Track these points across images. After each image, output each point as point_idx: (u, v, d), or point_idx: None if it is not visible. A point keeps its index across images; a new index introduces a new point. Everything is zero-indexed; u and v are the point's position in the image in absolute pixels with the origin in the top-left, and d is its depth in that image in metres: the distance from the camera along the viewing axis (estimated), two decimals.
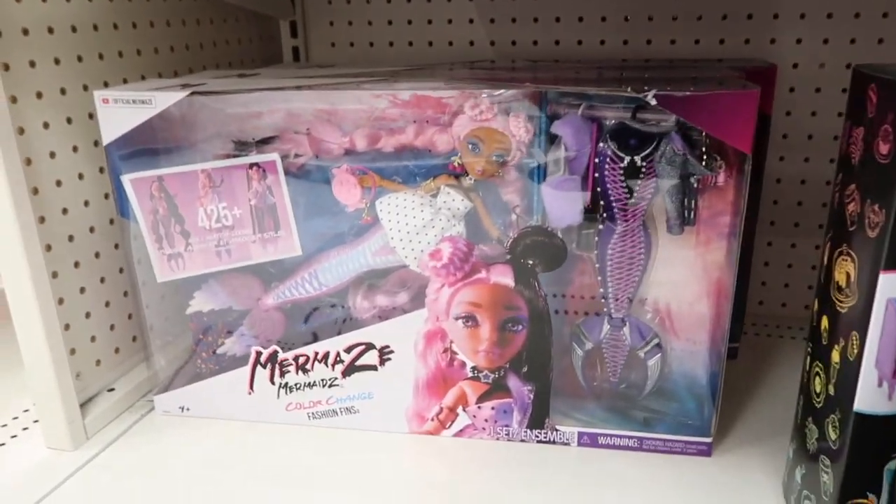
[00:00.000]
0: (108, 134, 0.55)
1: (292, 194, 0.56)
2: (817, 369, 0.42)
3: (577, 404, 0.57)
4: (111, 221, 0.63)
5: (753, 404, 0.61)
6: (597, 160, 0.50)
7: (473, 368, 0.55)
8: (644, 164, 0.49)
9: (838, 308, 0.39)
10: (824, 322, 0.41)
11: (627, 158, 0.49)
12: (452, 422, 0.57)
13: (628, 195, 0.50)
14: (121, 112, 0.54)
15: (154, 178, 0.56)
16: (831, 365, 0.40)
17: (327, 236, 0.57)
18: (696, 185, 0.49)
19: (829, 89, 0.70)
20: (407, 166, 0.55)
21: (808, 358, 0.44)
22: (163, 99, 0.53)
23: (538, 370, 0.55)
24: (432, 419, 0.57)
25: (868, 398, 0.36)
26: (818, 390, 0.42)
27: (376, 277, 0.57)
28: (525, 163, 0.52)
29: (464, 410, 0.56)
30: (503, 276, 0.52)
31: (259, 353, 0.58)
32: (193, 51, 0.73)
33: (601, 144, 0.50)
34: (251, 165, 0.55)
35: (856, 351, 0.37)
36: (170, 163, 0.56)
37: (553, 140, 0.51)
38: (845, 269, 0.38)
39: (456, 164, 0.53)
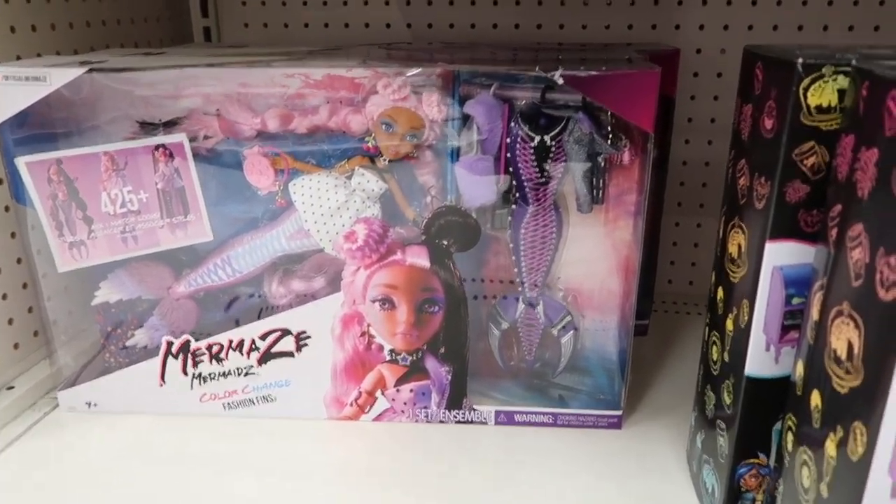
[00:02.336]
0: (1, 114, 0.52)
1: (202, 177, 0.54)
2: (714, 338, 0.44)
3: (494, 384, 0.58)
4: (6, 209, 0.59)
5: (661, 378, 0.64)
6: (508, 140, 0.51)
7: (391, 351, 0.55)
8: (553, 143, 0.50)
9: (731, 278, 0.41)
10: (720, 293, 0.43)
11: (537, 138, 0.50)
12: (371, 406, 0.56)
13: (539, 175, 0.51)
14: (13, 90, 0.51)
15: (52, 160, 0.53)
16: (726, 333, 0.42)
17: (240, 221, 0.56)
18: (603, 165, 0.51)
19: (730, 74, 0.73)
20: (321, 148, 0.54)
21: (707, 328, 0.46)
22: (59, 76, 0.50)
23: (455, 351, 0.55)
24: (351, 404, 0.56)
25: (757, 362, 0.38)
26: (715, 358, 0.44)
27: (292, 262, 0.56)
28: (439, 143, 0.52)
29: (382, 394, 0.56)
30: (419, 258, 0.52)
31: (170, 344, 0.56)
32: (95, 28, 0.70)
33: (512, 124, 0.50)
34: (157, 147, 0.53)
35: (746, 318, 0.39)
36: (70, 145, 0.53)
37: (466, 120, 0.51)
38: (737, 241, 0.40)
39: (370, 144, 0.52)
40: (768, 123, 0.36)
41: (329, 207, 0.52)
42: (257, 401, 0.57)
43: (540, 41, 0.76)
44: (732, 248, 0.41)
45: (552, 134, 0.49)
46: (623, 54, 0.62)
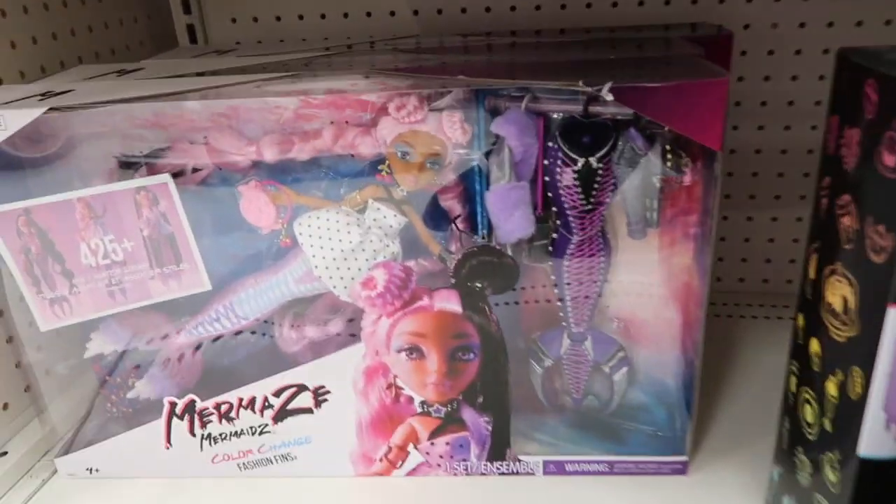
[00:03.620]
0: None
1: (195, 216, 0.47)
2: (807, 396, 0.37)
3: (538, 423, 0.52)
4: None
5: (724, 403, 0.57)
6: (546, 162, 0.43)
7: (423, 403, 0.48)
8: (601, 166, 0.42)
9: (833, 335, 0.34)
10: (814, 345, 0.36)
11: (581, 161, 0.42)
12: (403, 461, 0.50)
13: (584, 202, 0.43)
14: None
15: (19, 211, 0.46)
16: (827, 397, 0.35)
17: (241, 262, 0.49)
18: (659, 186, 0.43)
19: (783, 52, 0.65)
20: (327, 177, 0.47)
21: (795, 379, 0.39)
22: (14, 118, 0.43)
23: (495, 400, 0.49)
24: (381, 460, 0.50)
25: (874, 442, 0.32)
26: (810, 420, 0.37)
27: (303, 305, 0.50)
28: (464, 167, 0.45)
29: (415, 448, 0.50)
30: (448, 303, 0.45)
31: (174, 405, 0.50)
32: (63, 40, 0.62)
33: (550, 144, 0.43)
34: (139, 189, 0.46)
35: (859, 390, 0.32)
36: (42, 190, 0.46)
37: (495, 141, 0.44)
38: (841, 293, 0.33)
39: (384, 173, 0.45)
40: (890, 160, 0.29)
41: (341, 250, 0.45)
42: (276, 460, 0.51)
43: (564, 24, 0.67)
44: (834, 300, 0.34)
45: (599, 155, 0.42)
46: (663, 43, 0.54)
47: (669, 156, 0.41)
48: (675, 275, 0.47)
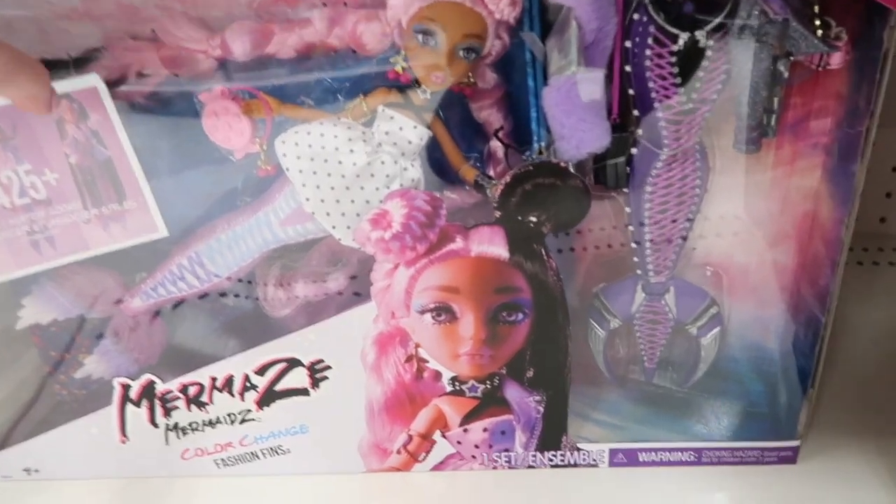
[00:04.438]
0: None
1: (143, 135, 0.35)
2: None
3: (597, 400, 0.40)
4: None
5: (847, 373, 0.45)
6: (629, 43, 0.30)
7: (453, 380, 0.37)
8: (711, 43, 0.30)
9: None
10: None
11: (684, 37, 0.29)
12: (428, 452, 0.39)
13: (684, 97, 0.31)
14: None
15: None
16: None
17: (209, 199, 0.37)
18: (784, 73, 0.31)
19: None
20: (320, 80, 0.34)
21: None
22: None
23: (549, 373, 0.37)
24: (398, 452, 0.39)
25: None
26: None
27: (293, 255, 0.38)
28: (510, 57, 0.32)
29: (443, 436, 0.38)
30: (491, 245, 0.33)
31: (126, 388, 0.39)
32: None
33: (636, 16, 0.30)
34: (59, 99, 0.33)
35: None
36: None
37: (555, 15, 0.31)
38: None
39: (399, 69, 0.32)
40: None
41: (343, 175, 0.33)
42: (264, 454, 0.40)
43: None
44: None
45: (710, 27, 0.29)
46: None
47: (818, 22, 0.28)
48: (792, 202, 0.35)
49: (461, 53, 0.31)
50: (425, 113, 0.33)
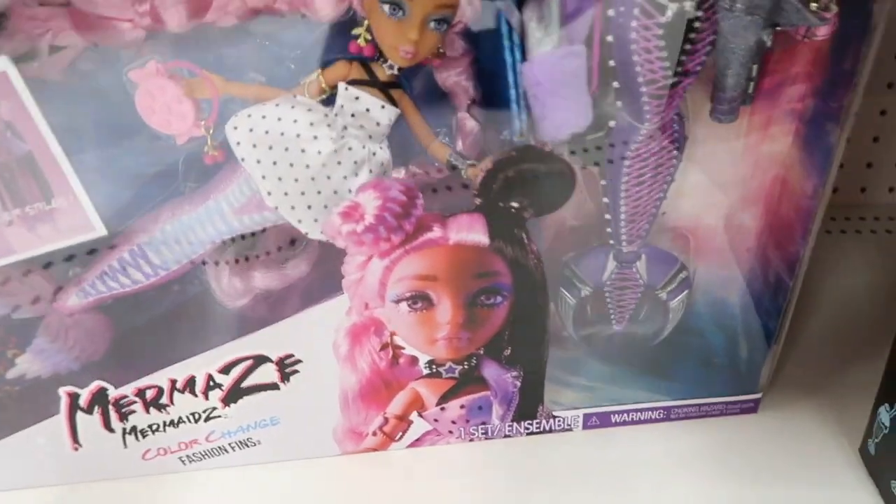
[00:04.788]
0: None
1: (64, 120, 0.30)
2: None
3: (569, 363, 0.41)
4: None
5: (816, 331, 0.46)
6: (611, 12, 0.28)
7: (430, 363, 0.36)
8: (700, 13, 0.28)
9: None
10: None
11: (673, 7, 0.27)
12: (404, 432, 0.38)
13: (668, 70, 0.29)
14: None
15: None
16: None
17: (149, 189, 0.33)
18: (768, 43, 0.29)
19: None
20: (267, 49, 0.30)
21: None
22: None
23: (527, 350, 0.37)
24: (374, 433, 0.38)
25: None
26: None
27: (247, 239, 0.35)
28: (484, 24, 0.29)
29: (420, 416, 0.38)
30: (470, 233, 0.31)
31: (74, 397, 0.35)
32: None
33: None
34: None
35: None
36: None
37: None
38: None
39: (361, 42, 0.29)
40: None
41: (307, 166, 0.30)
42: (232, 447, 0.38)
43: None
44: None
45: None
46: None
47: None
48: (763, 167, 0.35)
49: (432, 25, 0.28)
50: (392, 89, 0.30)
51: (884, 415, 0.35)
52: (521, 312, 0.35)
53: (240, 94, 0.30)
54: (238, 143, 0.30)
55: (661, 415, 0.40)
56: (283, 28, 0.30)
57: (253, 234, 0.34)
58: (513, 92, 0.29)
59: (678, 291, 0.38)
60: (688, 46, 0.29)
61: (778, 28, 0.29)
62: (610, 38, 0.29)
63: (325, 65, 0.30)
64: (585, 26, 0.29)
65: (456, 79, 0.32)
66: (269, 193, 0.30)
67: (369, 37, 0.29)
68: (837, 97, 0.30)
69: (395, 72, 0.30)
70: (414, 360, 0.35)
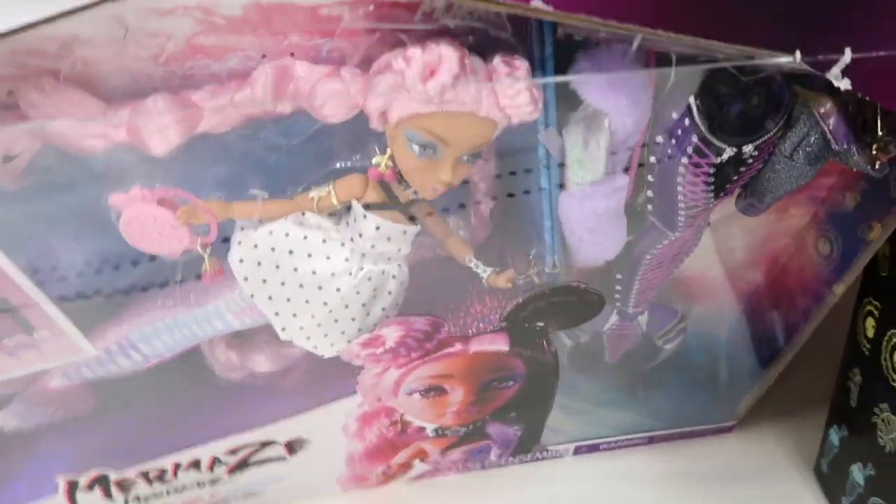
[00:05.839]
0: None
1: (32, 261, 0.26)
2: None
3: (563, 388, 0.42)
4: None
5: None
6: (660, 138, 0.26)
7: (437, 429, 0.36)
8: (756, 153, 0.26)
9: None
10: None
11: (730, 151, 0.25)
12: (405, 473, 0.40)
13: (710, 196, 0.28)
14: None
15: None
16: None
17: (139, 301, 0.30)
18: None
19: None
20: (268, 160, 0.27)
21: (874, 321, 0.32)
22: None
23: (533, 411, 0.37)
24: (376, 477, 0.39)
25: None
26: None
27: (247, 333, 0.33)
28: (517, 152, 0.26)
29: (422, 462, 0.39)
30: (492, 344, 0.30)
31: (73, 485, 0.34)
32: None
33: (674, 114, 0.25)
34: None
35: None
36: None
37: (576, 106, 0.25)
38: None
39: (382, 167, 0.26)
40: None
41: (325, 303, 0.27)
42: (237, 498, 0.39)
43: None
44: None
45: (760, 141, 0.25)
46: None
47: (875, 146, 0.25)
48: (774, 238, 0.34)
49: (465, 158, 0.25)
50: (413, 207, 0.27)
51: (833, 435, 0.39)
52: (531, 390, 0.35)
53: (243, 217, 0.27)
54: (246, 279, 0.27)
55: (645, 440, 0.43)
56: (287, 129, 0.26)
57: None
58: (547, 223, 0.27)
59: (675, 339, 0.39)
60: (734, 178, 0.27)
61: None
62: (652, 159, 0.27)
63: (337, 175, 0.27)
64: (627, 156, 0.26)
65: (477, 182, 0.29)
66: (282, 329, 0.27)
67: (392, 164, 0.25)
68: (872, 210, 0.29)
69: (417, 198, 0.27)
70: (421, 428, 0.36)
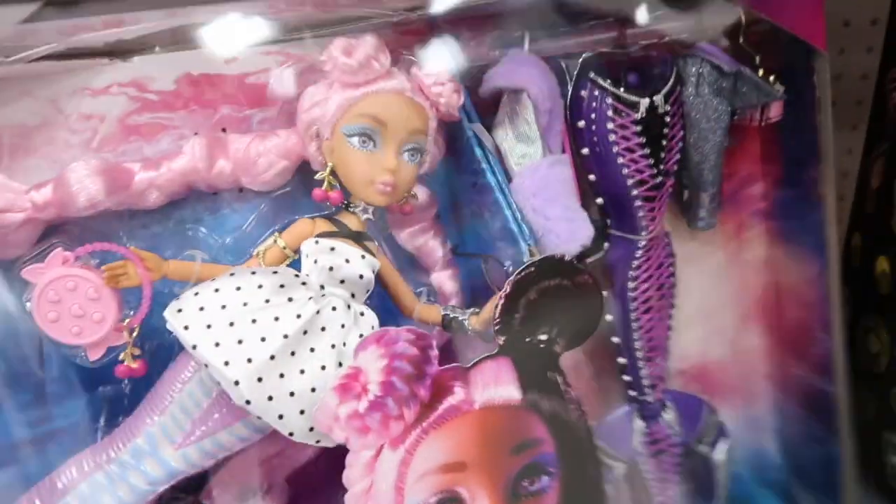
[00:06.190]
0: None
1: None
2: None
3: None
4: None
5: None
6: (581, 122, 0.27)
7: None
8: (669, 107, 0.28)
9: None
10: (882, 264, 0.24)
11: (644, 102, 0.27)
12: None
13: (653, 168, 0.28)
14: None
15: None
16: None
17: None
18: (726, 142, 0.30)
19: None
20: (204, 223, 0.25)
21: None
22: None
23: None
24: None
25: None
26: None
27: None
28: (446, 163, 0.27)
29: None
30: (498, 386, 0.24)
31: None
32: None
33: (583, 92, 0.27)
34: None
35: None
36: None
37: (497, 100, 0.27)
38: None
39: (325, 187, 0.25)
40: None
41: (284, 336, 0.23)
42: None
43: None
44: None
45: (666, 90, 0.27)
46: None
47: (760, 72, 0.28)
48: (746, 278, 0.33)
49: (406, 156, 0.25)
50: (367, 241, 0.25)
51: None
52: (575, 493, 0.26)
53: (179, 277, 0.24)
54: (186, 328, 0.22)
55: None
56: (214, 206, 0.26)
57: None
58: (508, 212, 0.26)
59: (716, 439, 0.32)
60: (664, 142, 0.28)
61: (735, 117, 0.29)
62: (585, 151, 0.28)
63: (282, 227, 0.25)
64: (558, 140, 0.27)
65: (424, 236, 0.28)
66: (235, 384, 0.22)
67: (335, 181, 0.25)
68: (804, 178, 0.30)
69: (370, 216, 0.25)
70: None
